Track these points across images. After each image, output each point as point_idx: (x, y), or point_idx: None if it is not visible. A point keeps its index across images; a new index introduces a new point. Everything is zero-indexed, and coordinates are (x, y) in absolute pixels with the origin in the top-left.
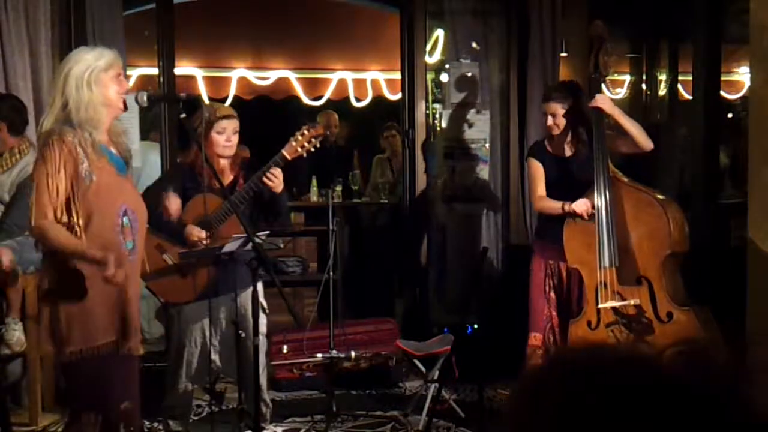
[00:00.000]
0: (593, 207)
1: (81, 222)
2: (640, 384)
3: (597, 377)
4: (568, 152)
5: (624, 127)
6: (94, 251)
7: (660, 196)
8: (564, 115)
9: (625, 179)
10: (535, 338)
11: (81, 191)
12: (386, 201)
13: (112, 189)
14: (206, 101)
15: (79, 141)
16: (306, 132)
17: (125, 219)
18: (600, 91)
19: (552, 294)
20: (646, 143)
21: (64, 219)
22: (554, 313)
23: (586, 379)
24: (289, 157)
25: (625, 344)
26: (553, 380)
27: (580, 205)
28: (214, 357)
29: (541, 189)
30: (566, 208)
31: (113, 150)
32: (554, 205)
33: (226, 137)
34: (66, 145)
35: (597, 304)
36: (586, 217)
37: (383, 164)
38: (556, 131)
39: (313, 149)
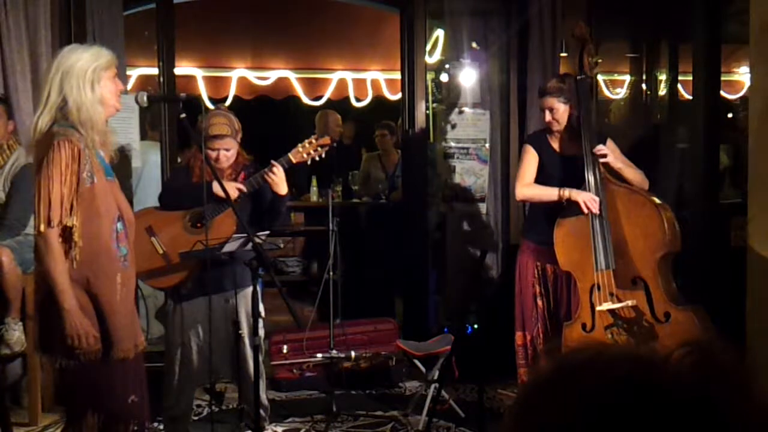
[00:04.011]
0: (595, 203)
1: (78, 225)
2: (651, 385)
3: (608, 378)
4: (570, 150)
5: (626, 177)
6: (73, 309)
7: (652, 197)
8: (565, 111)
9: (616, 180)
10: (525, 337)
11: (82, 194)
12: (384, 201)
13: (107, 193)
14: (207, 102)
15: (84, 142)
16: (314, 140)
17: (119, 224)
18: (589, 91)
19: (539, 301)
20: (644, 186)
21: (68, 222)
22: (540, 321)
23: (597, 380)
24: (294, 161)
25: (632, 345)
26: (564, 383)
27: (582, 195)
28: (212, 357)
29: (530, 176)
30: (564, 194)
31: (102, 152)
32: (547, 192)
33: (216, 155)
34: (73, 146)
35: (592, 307)
36: (585, 211)
37: (373, 161)
38: (556, 126)
39: (318, 158)
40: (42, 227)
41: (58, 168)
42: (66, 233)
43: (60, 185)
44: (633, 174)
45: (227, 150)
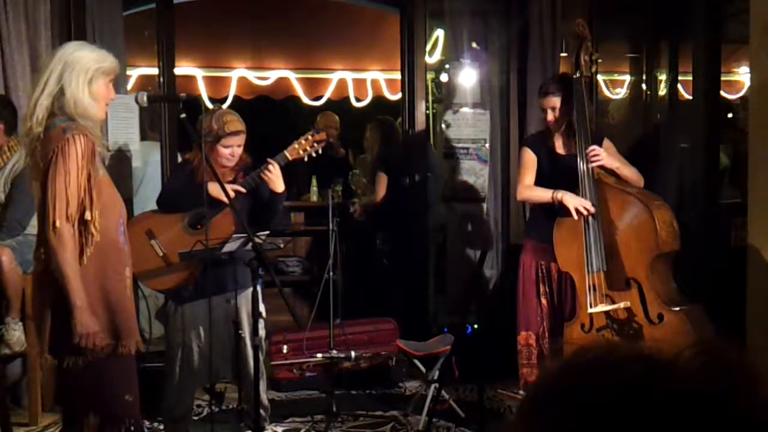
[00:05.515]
0: (588, 210)
1: (97, 218)
2: (661, 386)
3: (618, 379)
4: (569, 151)
5: (621, 175)
6: (83, 307)
7: (646, 196)
8: (559, 109)
9: (610, 180)
10: (530, 337)
11: (95, 186)
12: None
13: (110, 187)
14: (207, 102)
15: (95, 135)
16: (310, 137)
17: (121, 220)
18: (586, 89)
19: (543, 300)
20: (639, 183)
21: (86, 216)
22: (545, 319)
23: (606, 381)
24: (290, 158)
25: (640, 345)
26: (572, 384)
27: (575, 201)
28: (212, 357)
29: (530, 178)
30: (557, 197)
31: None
32: (542, 194)
33: (231, 152)
34: (88, 140)
35: (588, 308)
36: (576, 217)
37: (364, 164)
38: (556, 126)
39: (314, 154)
40: (58, 223)
41: (75, 162)
42: (83, 227)
43: (77, 179)
44: (629, 172)
45: (239, 146)
